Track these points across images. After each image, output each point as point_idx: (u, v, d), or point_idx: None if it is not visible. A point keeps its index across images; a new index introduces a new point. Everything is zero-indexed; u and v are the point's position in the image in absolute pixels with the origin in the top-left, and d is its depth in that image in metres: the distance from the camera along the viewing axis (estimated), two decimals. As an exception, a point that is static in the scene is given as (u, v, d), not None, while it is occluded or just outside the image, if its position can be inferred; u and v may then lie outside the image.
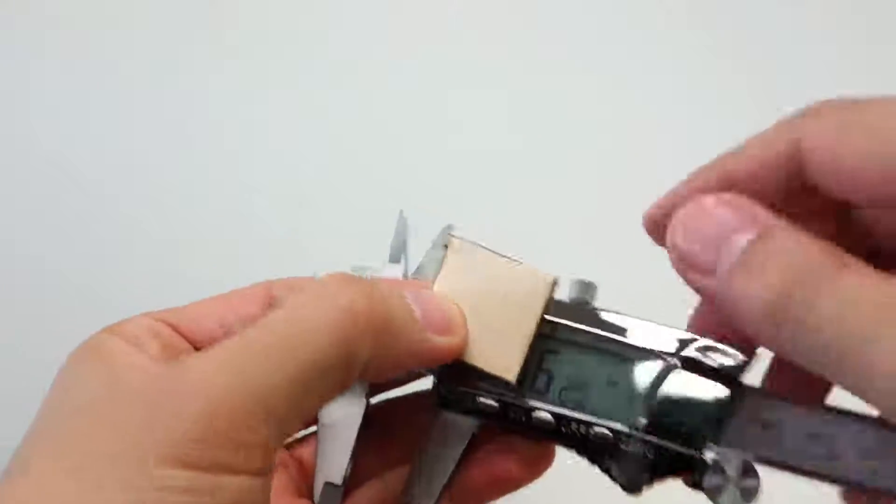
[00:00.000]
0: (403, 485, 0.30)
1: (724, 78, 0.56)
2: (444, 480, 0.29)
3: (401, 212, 0.32)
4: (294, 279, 0.30)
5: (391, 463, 0.31)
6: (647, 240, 0.27)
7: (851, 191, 0.24)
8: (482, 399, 0.28)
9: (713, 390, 0.26)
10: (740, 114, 0.55)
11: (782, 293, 0.21)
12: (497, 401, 0.28)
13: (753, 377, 0.27)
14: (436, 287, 0.29)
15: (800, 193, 0.25)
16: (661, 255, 0.26)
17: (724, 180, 0.25)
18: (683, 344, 0.27)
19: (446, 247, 0.29)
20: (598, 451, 0.27)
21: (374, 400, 0.31)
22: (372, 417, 0.31)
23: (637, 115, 0.56)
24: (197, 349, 0.27)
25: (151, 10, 0.59)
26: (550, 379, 0.28)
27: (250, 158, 0.58)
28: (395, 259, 0.31)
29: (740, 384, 0.26)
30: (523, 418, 0.28)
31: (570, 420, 0.28)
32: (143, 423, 0.22)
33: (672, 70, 0.57)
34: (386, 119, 0.57)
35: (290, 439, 0.32)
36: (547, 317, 0.28)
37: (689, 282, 0.24)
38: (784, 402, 0.26)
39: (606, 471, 0.27)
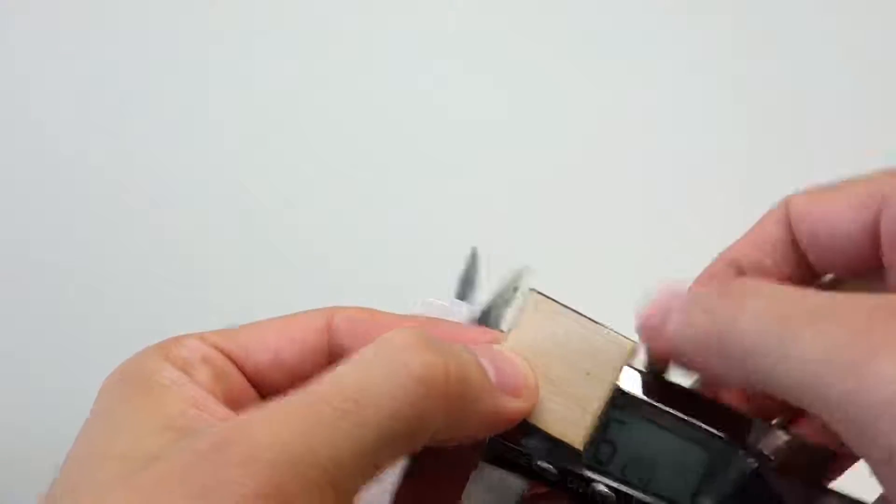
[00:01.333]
0: None
1: (719, 58, 0.56)
2: None
3: (473, 248, 0.31)
4: (358, 313, 0.29)
5: None
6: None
7: (827, 263, 0.24)
8: (540, 462, 0.27)
9: (793, 493, 0.25)
10: (733, 92, 0.56)
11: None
12: (556, 466, 0.27)
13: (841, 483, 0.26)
14: (509, 343, 0.28)
15: (804, 268, 0.26)
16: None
17: (731, 265, 0.27)
18: (762, 435, 0.25)
19: (518, 292, 0.28)
20: None
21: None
22: (417, 456, 0.29)
23: (639, 108, 0.56)
24: (249, 380, 0.27)
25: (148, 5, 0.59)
26: (614, 451, 0.27)
27: (251, 155, 0.58)
28: (462, 296, 0.30)
29: (825, 489, 0.25)
30: (580, 489, 0.27)
31: (632, 499, 0.26)
32: (207, 483, 0.21)
33: (669, 55, 0.57)
34: (387, 109, 0.57)
35: None
36: (621, 386, 0.27)
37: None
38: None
39: None
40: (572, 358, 0.27)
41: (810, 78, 0.55)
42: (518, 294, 0.29)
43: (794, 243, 0.26)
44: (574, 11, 0.58)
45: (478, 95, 0.57)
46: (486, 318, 0.29)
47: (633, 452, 0.26)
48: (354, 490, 0.23)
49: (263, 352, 0.27)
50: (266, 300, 0.56)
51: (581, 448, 0.26)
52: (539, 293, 0.27)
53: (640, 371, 0.27)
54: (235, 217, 0.58)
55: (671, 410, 0.26)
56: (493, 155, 0.56)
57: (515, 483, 0.28)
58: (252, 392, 0.27)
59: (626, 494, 0.26)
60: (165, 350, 0.25)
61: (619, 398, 0.26)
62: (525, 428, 0.27)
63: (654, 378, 0.27)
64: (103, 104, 0.58)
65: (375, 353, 0.24)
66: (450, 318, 0.29)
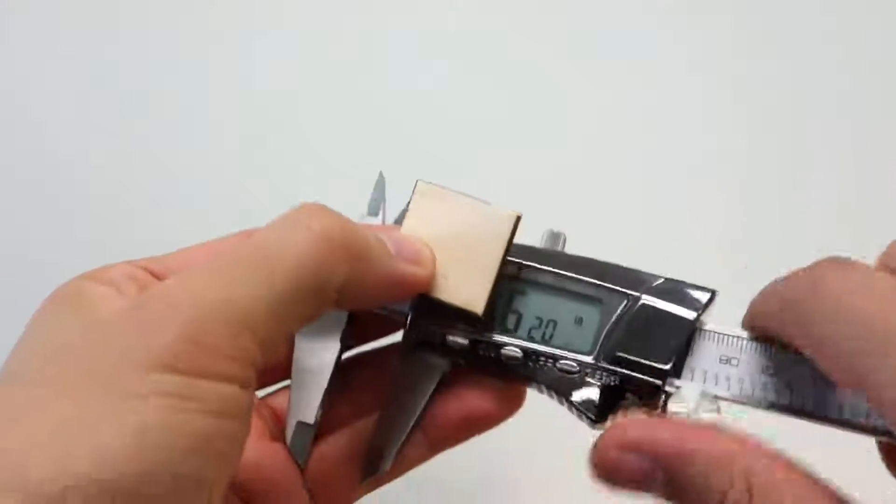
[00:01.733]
0: (373, 428, 0.31)
1: (719, 58, 0.56)
2: (413, 420, 0.30)
3: (380, 172, 0.34)
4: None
5: (362, 412, 0.32)
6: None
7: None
8: (452, 337, 0.30)
9: (674, 323, 0.28)
10: (733, 92, 0.56)
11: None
12: (467, 338, 0.30)
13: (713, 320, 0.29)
14: (403, 228, 0.30)
15: None
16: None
17: None
18: (651, 281, 0.29)
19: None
20: (565, 386, 0.29)
21: (348, 354, 0.33)
22: (345, 369, 0.32)
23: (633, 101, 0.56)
24: None
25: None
26: (519, 319, 0.30)
27: (251, 155, 0.58)
28: (373, 212, 0.33)
29: (698, 318, 0.28)
30: (492, 354, 0.30)
31: (538, 355, 0.29)
32: (132, 333, 0.23)
33: (669, 55, 0.57)
34: (373, 91, 0.57)
35: (266, 390, 0.33)
36: (516, 259, 0.30)
37: None
38: (740, 338, 0.28)
39: (572, 405, 0.29)
40: (463, 233, 0.29)
41: (810, 78, 0.55)
42: (413, 194, 0.31)
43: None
44: (574, 11, 0.58)
45: (478, 95, 0.57)
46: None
47: (536, 317, 0.30)
48: (273, 339, 0.25)
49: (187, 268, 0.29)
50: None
51: (481, 314, 0.29)
52: (424, 181, 0.30)
53: (535, 247, 0.30)
54: (235, 217, 0.58)
55: (560, 271, 0.30)
56: (493, 155, 0.56)
57: (435, 363, 0.30)
58: None
59: (533, 352, 0.29)
60: (93, 274, 0.27)
61: (516, 270, 0.30)
62: (434, 310, 0.30)
63: (549, 251, 0.30)
64: (103, 104, 0.58)
65: (283, 218, 0.26)
66: None
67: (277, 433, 0.32)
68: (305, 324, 0.27)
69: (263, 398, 0.33)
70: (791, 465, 0.23)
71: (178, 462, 0.22)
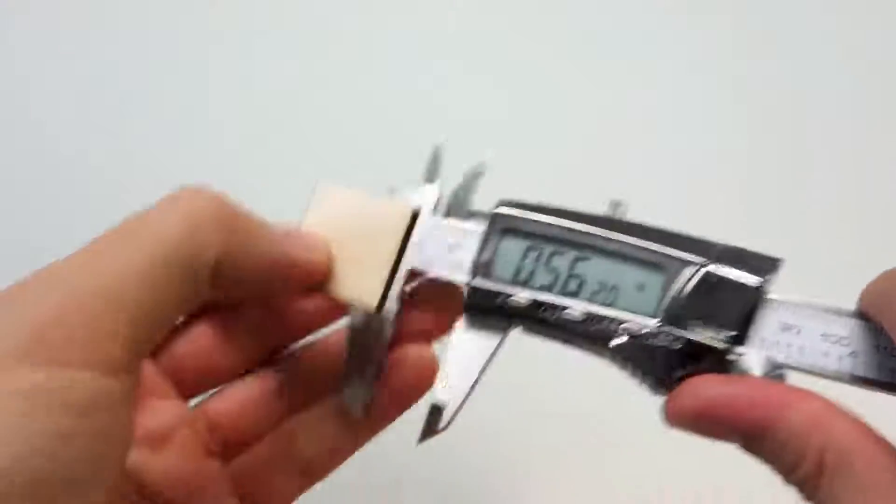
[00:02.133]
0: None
1: (719, 58, 0.56)
2: (476, 380, 0.30)
3: (437, 141, 0.34)
4: None
5: (291, 412, 0.32)
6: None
7: None
8: (514, 299, 0.30)
9: (739, 290, 0.28)
10: (733, 92, 0.56)
11: None
12: (528, 299, 0.30)
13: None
14: (302, 226, 0.30)
15: None
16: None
17: None
18: (716, 249, 0.28)
19: (480, 180, 0.32)
20: (627, 347, 0.28)
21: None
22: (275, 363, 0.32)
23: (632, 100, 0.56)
24: None
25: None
26: (581, 283, 0.30)
27: (251, 155, 0.58)
28: (430, 180, 0.33)
29: (765, 286, 0.28)
30: (554, 316, 0.29)
31: (600, 317, 0.29)
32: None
33: (669, 55, 0.57)
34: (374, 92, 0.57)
35: (197, 397, 0.32)
36: (575, 225, 0.30)
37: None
38: (803, 305, 0.27)
39: (633, 369, 0.28)
40: (359, 230, 0.30)
41: (810, 78, 0.55)
42: (479, 182, 0.32)
43: None
44: (574, 11, 0.58)
45: (478, 96, 0.57)
46: (454, 201, 0.32)
47: (598, 282, 0.29)
48: (148, 318, 0.24)
49: None
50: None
51: (374, 308, 0.29)
52: (325, 181, 0.31)
53: (597, 214, 0.30)
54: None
55: (622, 238, 0.29)
56: (493, 155, 0.56)
57: (496, 325, 0.30)
58: None
59: (595, 315, 0.29)
60: None
61: (576, 235, 0.30)
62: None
63: (613, 218, 0.30)
64: (103, 104, 0.58)
65: (159, 201, 0.26)
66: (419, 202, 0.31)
67: (213, 447, 0.30)
68: (186, 308, 0.26)
69: (199, 405, 0.31)
70: (864, 434, 0.23)
71: (36, 465, 0.20)
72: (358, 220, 0.30)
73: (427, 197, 0.32)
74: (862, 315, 0.27)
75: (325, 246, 0.29)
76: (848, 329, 0.27)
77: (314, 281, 0.29)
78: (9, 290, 0.23)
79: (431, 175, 0.33)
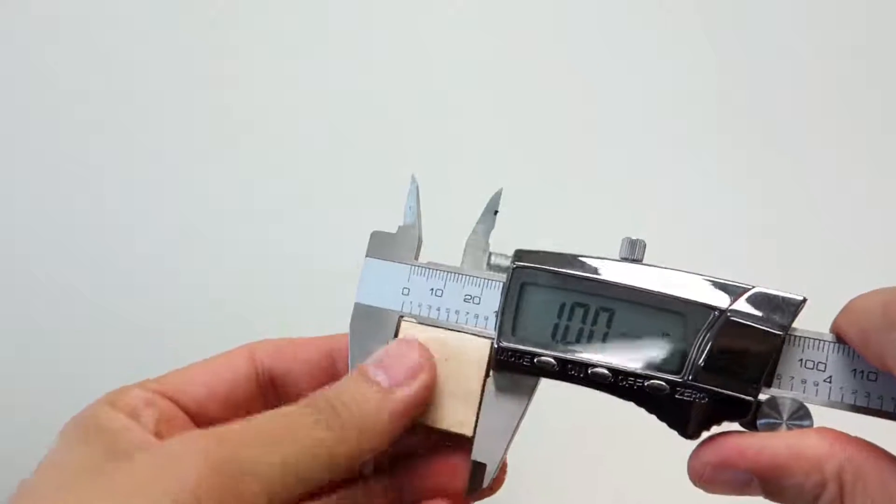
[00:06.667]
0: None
1: (719, 57, 0.56)
2: (512, 435, 0.31)
3: (413, 176, 0.34)
4: (275, 344, 0.34)
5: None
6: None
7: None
8: (542, 360, 0.30)
9: (763, 337, 0.28)
10: (733, 91, 0.55)
11: None
12: (555, 359, 0.30)
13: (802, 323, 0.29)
14: (401, 332, 0.32)
15: None
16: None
17: None
18: (736, 293, 0.29)
19: (497, 215, 0.33)
20: (655, 401, 0.29)
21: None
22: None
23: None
24: (189, 414, 0.31)
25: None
26: (605, 336, 0.30)
27: (250, 155, 0.58)
28: (410, 222, 0.34)
29: (789, 329, 0.28)
30: (582, 374, 0.30)
31: (626, 374, 0.29)
32: (155, 471, 0.24)
33: (669, 55, 0.56)
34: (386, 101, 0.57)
35: None
36: (595, 276, 0.30)
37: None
38: (831, 342, 0.28)
39: (663, 419, 0.29)
40: (446, 364, 0.31)
41: (810, 78, 0.54)
42: (496, 217, 0.33)
43: None
44: (574, 11, 0.57)
45: (478, 95, 0.57)
46: (476, 238, 0.33)
47: (621, 332, 0.30)
48: (283, 497, 0.26)
49: (198, 388, 0.31)
50: (267, 302, 0.57)
51: (471, 434, 0.31)
52: (407, 320, 0.32)
53: (613, 260, 0.30)
54: (235, 218, 0.58)
55: (645, 287, 0.30)
56: (493, 156, 0.56)
57: (525, 382, 0.31)
58: (192, 426, 0.31)
59: (622, 371, 0.29)
60: (113, 400, 0.29)
61: (599, 286, 0.30)
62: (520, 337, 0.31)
63: (628, 264, 0.30)
64: (104, 104, 0.58)
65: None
66: (399, 243, 0.33)
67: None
68: (322, 483, 0.28)
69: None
70: (878, 456, 0.25)
71: None
72: (440, 355, 0.32)
73: (412, 238, 0.33)
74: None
75: (430, 362, 0.31)
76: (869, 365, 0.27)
77: (422, 407, 0.31)
78: (173, 444, 0.26)
79: (411, 215, 0.33)
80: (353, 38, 0.57)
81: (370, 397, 0.29)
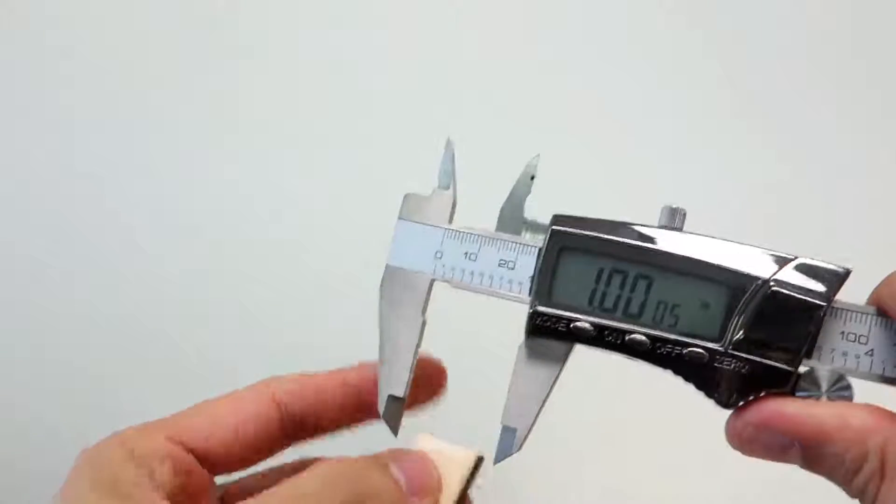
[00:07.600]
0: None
1: (719, 58, 0.56)
2: (544, 401, 0.31)
3: (448, 138, 0.33)
4: (297, 380, 0.34)
5: None
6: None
7: None
8: (578, 325, 0.30)
9: (805, 308, 0.28)
10: (733, 92, 0.56)
11: None
12: (592, 325, 0.30)
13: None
14: (419, 443, 0.33)
15: None
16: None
17: None
18: (781, 263, 0.28)
19: (534, 180, 0.33)
20: (694, 369, 0.28)
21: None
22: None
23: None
24: (208, 462, 0.31)
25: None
26: (643, 304, 0.29)
27: (251, 155, 0.58)
28: (444, 185, 0.33)
29: (832, 301, 0.28)
30: (619, 341, 0.29)
31: (665, 341, 0.29)
32: None
33: (669, 55, 0.57)
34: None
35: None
36: (635, 242, 0.30)
37: None
38: (868, 314, 0.28)
39: (701, 388, 0.28)
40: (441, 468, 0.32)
41: (810, 78, 0.55)
42: (533, 182, 0.32)
43: None
44: (574, 12, 0.57)
45: (478, 96, 0.57)
46: (512, 204, 0.32)
47: (660, 301, 0.29)
48: None
49: (223, 432, 0.32)
50: (268, 302, 0.57)
51: None
52: (425, 436, 0.33)
53: (652, 228, 0.30)
54: (234, 217, 0.58)
55: (686, 254, 0.29)
56: (493, 157, 0.56)
57: (557, 349, 0.30)
58: (205, 479, 0.31)
59: (660, 338, 0.29)
60: (132, 448, 0.29)
61: (639, 254, 0.29)
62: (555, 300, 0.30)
63: (671, 232, 0.30)
64: (103, 106, 0.58)
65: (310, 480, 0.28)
66: (433, 206, 0.32)
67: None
68: None
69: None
70: None
71: None
72: (438, 459, 0.33)
73: (444, 204, 0.33)
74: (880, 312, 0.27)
75: (438, 485, 0.32)
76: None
77: None
78: None
79: (445, 180, 0.33)
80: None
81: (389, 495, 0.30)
